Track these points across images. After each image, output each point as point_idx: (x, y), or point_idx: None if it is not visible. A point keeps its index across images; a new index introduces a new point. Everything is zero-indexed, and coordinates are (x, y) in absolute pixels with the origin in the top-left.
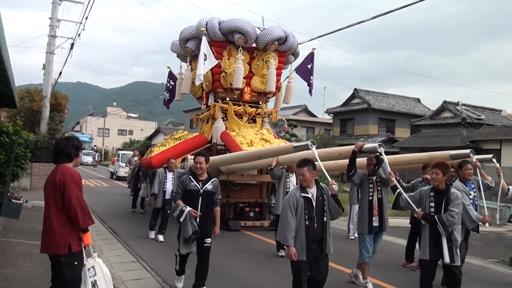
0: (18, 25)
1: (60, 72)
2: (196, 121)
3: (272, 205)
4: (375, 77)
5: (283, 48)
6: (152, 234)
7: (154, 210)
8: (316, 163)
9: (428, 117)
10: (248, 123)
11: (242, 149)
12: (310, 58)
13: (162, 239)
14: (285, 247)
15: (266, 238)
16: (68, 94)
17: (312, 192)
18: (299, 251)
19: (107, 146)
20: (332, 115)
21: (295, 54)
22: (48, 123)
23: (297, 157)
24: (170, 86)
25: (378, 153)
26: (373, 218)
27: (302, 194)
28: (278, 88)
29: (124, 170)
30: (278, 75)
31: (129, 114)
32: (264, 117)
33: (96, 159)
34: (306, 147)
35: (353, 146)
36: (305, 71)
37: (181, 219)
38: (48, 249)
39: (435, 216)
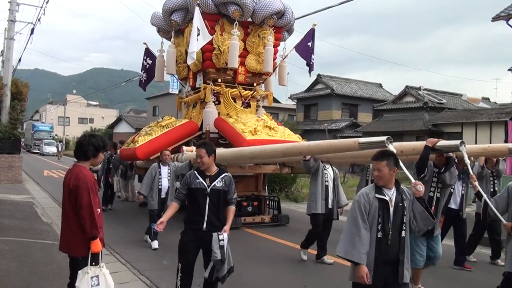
0: None
1: (20, 59)
2: (179, 105)
3: (272, 199)
4: (336, 62)
5: (280, 23)
6: (155, 244)
7: (150, 213)
8: None
9: (391, 102)
10: (244, 107)
11: (246, 138)
12: (311, 35)
13: (157, 246)
14: (352, 263)
15: (272, 237)
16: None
17: (391, 195)
18: None
19: (67, 135)
20: (295, 101)
21: (290, 31)
22: (9, 112)
23: (341, 156)
24: (147, 65)
25: (454, 153)
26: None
27: (377, 195)
28: (273, 68)
29: None
30: (274, 53)
31: (90, 102)
32: (259, 100)
33: (60, 149)
34: (380, 144)
35: (424, 142)
36: (306, 49)
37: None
38: (68, 251)
39: None
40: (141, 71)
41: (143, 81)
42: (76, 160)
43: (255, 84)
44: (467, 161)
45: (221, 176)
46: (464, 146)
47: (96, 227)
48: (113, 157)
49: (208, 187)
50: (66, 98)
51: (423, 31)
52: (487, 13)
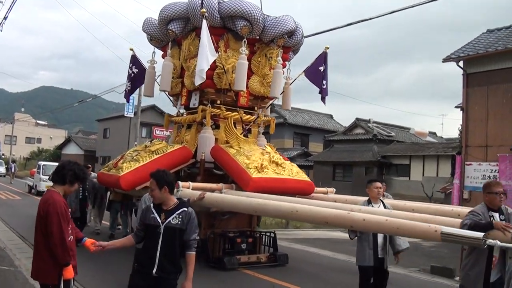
0: None
1: None
2: (167, 124)
3: (267, 235)
4: None
5: (289, 43)
6: None
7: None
8: None
9: (341, 133)
10: (244, 134)
11: (252, 176)
12: (323, 58)
13: None
14: None
15: (279, 281)
16: None
17: None
18: None
19: (14, 155)
20: None
21: (296, 51)
22: None
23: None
24: (132, 74)
25: None
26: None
27: None
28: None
29: (46, 184)
30: None
31: (38, 121)
32: (260, 126)
33: (13, 170)
34: (473, 241)
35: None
36: (316, 74)
37: None
38: (39, 278)
39: None
40: (127, 80)
41: (127, 90)
42: (51, 183)
43: (256, 108)
44: None
45: (178, 212)
46: None
47: (68, 253)
48: (87, 183)
49: (162, 224)
50: (14, 116)
51: (369, 66)
52: (429, 52)
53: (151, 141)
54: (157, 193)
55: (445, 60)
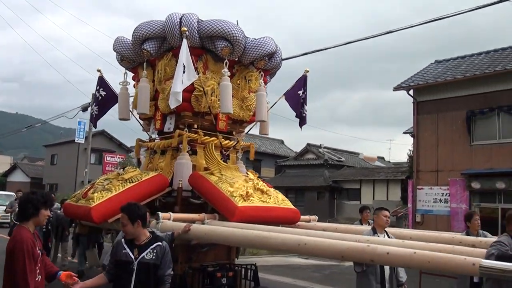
0: None
1: None
2: (137, 150)
3: (248, 267)
4: None
5: (268, 66)
6: None
7: None
8: None
9: (293, 158)
10: (223, 161)
11: (237, 205)
12: (302, 82)
13: None
14: None
15: None
16: None
17: None
18: None
19: None
20: None
21: (273, 74)
22: None
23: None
24: (100, 97)
25: None
26: None
27: None
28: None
29: None
30: None
31: None
32: (238, 151)
33: None
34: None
35: None
36: (296, 99)
37: None
38: None
39: None
40: (94, 104)
41: (94, 115)
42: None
43: (234, 133)
44: None
45: (152, 246)
46: None
47: None
48: (50, 216)
49: (136, 260)
50: None
51: (317, 92)
52: (373, 81)
53: (123, 168)
54: (130, 228)
55: (396, 88)
